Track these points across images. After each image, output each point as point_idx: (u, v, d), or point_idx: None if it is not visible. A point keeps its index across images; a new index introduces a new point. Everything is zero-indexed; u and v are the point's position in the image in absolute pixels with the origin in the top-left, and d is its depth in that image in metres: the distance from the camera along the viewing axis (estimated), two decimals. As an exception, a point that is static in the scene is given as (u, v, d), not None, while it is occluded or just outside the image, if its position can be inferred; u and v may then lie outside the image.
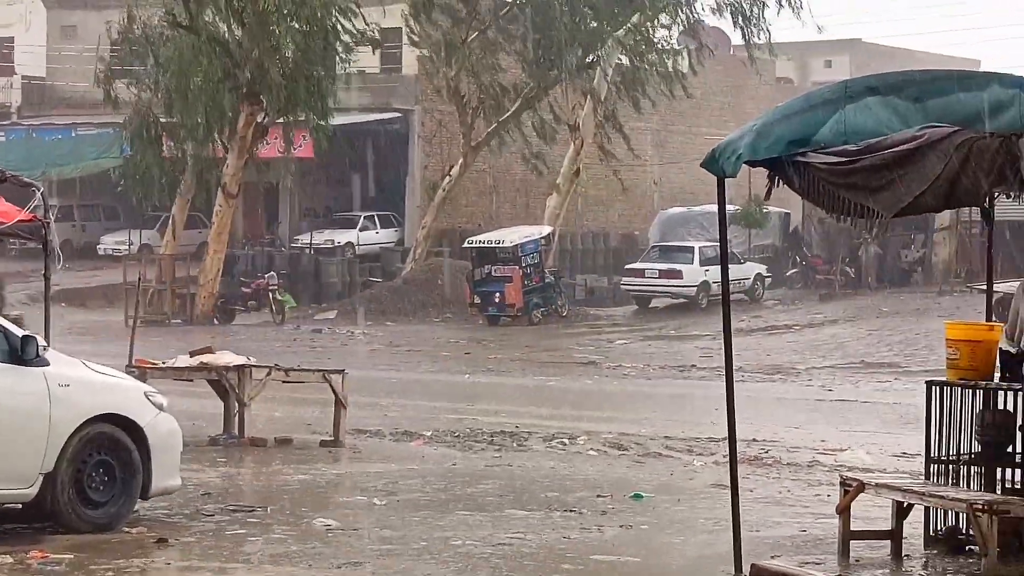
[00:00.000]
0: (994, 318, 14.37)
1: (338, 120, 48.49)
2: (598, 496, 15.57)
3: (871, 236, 47.06)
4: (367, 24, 46.93)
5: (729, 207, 11.31)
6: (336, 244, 55.43)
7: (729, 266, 12.37)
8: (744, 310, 45.56)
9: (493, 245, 46.70)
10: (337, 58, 46.45)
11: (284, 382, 20.13)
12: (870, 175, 10.95)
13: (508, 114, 50.25)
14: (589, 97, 49.54)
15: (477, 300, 46.18)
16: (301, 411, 22.14)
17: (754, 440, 20.11)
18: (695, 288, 48.12)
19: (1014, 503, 11.55)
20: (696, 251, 48.71)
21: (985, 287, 14.52)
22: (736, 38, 53.01)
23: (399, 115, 56.42)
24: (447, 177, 51.48)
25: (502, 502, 15.05)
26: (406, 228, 56.51)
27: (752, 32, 49.65)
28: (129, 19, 49.16)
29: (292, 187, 56.45)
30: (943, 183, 10.77)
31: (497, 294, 45.65)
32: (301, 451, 18.80)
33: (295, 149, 49.60)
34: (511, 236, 47.25)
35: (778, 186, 11.69)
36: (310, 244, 55.16)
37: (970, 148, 10.54)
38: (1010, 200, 12.76)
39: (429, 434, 20.54)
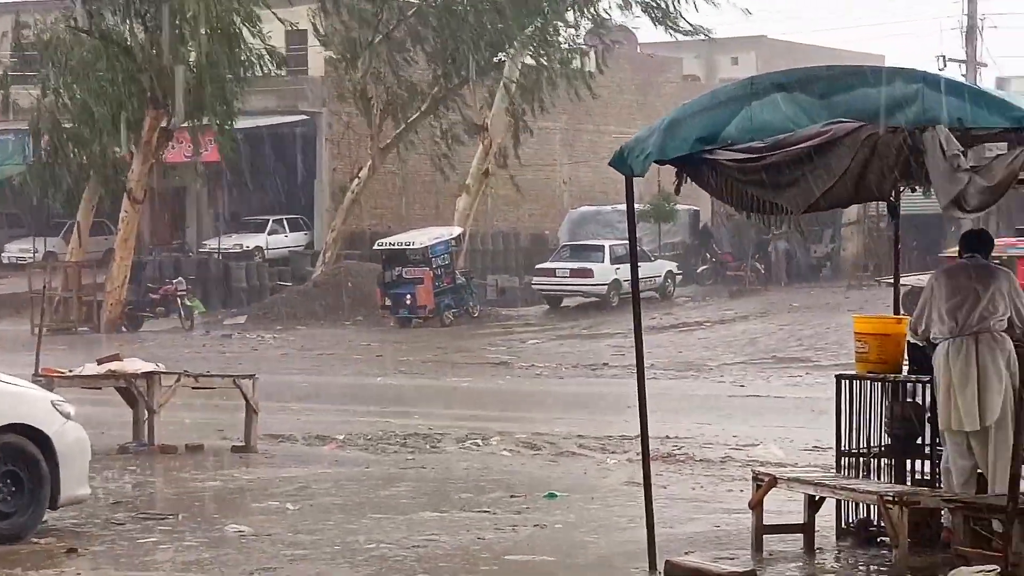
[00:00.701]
0: (902, 311, 14.48)
1: (244, 123, 48.24)
2: (512, 496, 15.55)
3: (782, 232, 47.43)
4: (269, 37, 46.77)
5: (638, 205, 11.35)
6: (245, 248, 55.13)
7: (640, 264, 12.41)
8: (655, 307, 45.71)
9: (403, 247, 46.60)
10: (241, 64, 46.28)
11: (194, 388, 19.99)
12: (778, 172, 10.99)
13: (416, 116, 50.17)
14: (497, 98, 49.54)
15: (388, 302, 46.05)
16: (212, 417, 21.97)
17: (667, 437, 20.17)
18: (606, 286, 48.23)
19: (924, 494, 11.64)
20: (606, 249, 48.81)
21: (893, 281, 14.63)
22: (643, 35, 53.17)
23: (306, 117, 56.19)
24: (356, 179, 51.32)
25: (416, 504, 15.00)
26: (315, 231, 56.30)
27: (666, 20, 49.56)
28: (18, 25, 48.67)
29: (199, 192, 56.09)
30: (850, 178, 10.82)
31: (408, 296, 45.54)
32: (212, 457, 18.66)
33: (202, 153, 49.29)
34: (421, 238, 47.16)
35: (687, 183, 11.72)
36: (219, 249, 54.82)
37: (875, 143, 10.60)
38: (915, 194, 12.89)
39: (341, 438, 20.44)
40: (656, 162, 11.56)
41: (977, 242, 12.18)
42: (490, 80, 49.79)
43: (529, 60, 49.44)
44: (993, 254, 12.50)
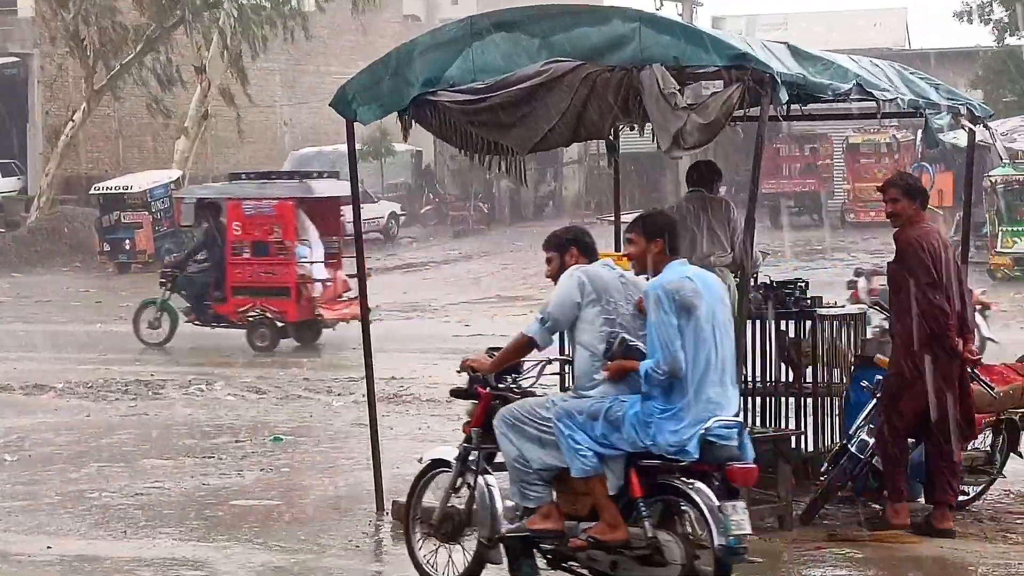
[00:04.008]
0: (623, 249, 14.67)
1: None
2: (237, 441, 15.43)
3: (509, 175, 47.82)
4: None
5: (357, 144, 11.29)
6: (-46, 194, 53.45)
7: (363, 205, 12.35)
8: (379, 248, 45.70)
9: (121, 191, 45.67)
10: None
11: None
12: (500, 112, 11.02)
13: (130, 57, 49.10)
14: (215, 39, 48.77)
15: (106, 248, 45.13)
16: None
17: (393, 378, 20.20)
18: (329, 228, 47.96)
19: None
20: (329, 191, 48.47)
21: (613, 219, 14.81)
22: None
23: (16, 59, 54.58)
24: (70, 123, 50.07)
25: (138, 452, 14.79)
26: (29, 176, 54.78)
27: None
28: None
29: (-94, 136, 54.16)
30: (570, 117, 10.90)
31: (127, 241, 44.69)
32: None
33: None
34: (139, 181, 46.26)
35: (411, 127, 11.69)
36: (-75, 194, 53.04)
37: (594, 82, 10.68)
38: (633, 132, 13.05)
39: (61, 386, 20.01)
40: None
41: (701, 175, 12.36)
42: (206, 20, 48.96)
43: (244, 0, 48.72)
44: None
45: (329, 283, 25.56)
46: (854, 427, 11.11)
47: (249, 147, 58.07)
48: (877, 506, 11.32)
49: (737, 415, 8.64)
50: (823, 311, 12.44)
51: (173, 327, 25.69)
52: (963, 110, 12.30)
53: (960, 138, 13.71)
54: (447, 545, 9.43)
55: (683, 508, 8.39)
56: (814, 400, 12.32)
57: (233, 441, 15.43)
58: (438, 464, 9.65)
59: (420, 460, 9.88)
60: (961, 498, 11.40)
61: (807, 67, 10.71)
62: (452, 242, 48.09)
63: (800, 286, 12.46)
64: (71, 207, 50.09)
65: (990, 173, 35.79)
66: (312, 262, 25.33)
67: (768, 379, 12.45)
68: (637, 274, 8.94)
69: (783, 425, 12.30)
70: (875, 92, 11.11)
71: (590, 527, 8.63)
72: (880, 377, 11.09)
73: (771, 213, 47.39)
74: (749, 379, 12.26)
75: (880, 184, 11.29)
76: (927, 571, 9.95)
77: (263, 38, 48.51)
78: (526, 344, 8.99)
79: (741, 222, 11.68)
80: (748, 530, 8.35)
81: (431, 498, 9.63)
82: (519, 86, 10.88)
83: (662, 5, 52.01)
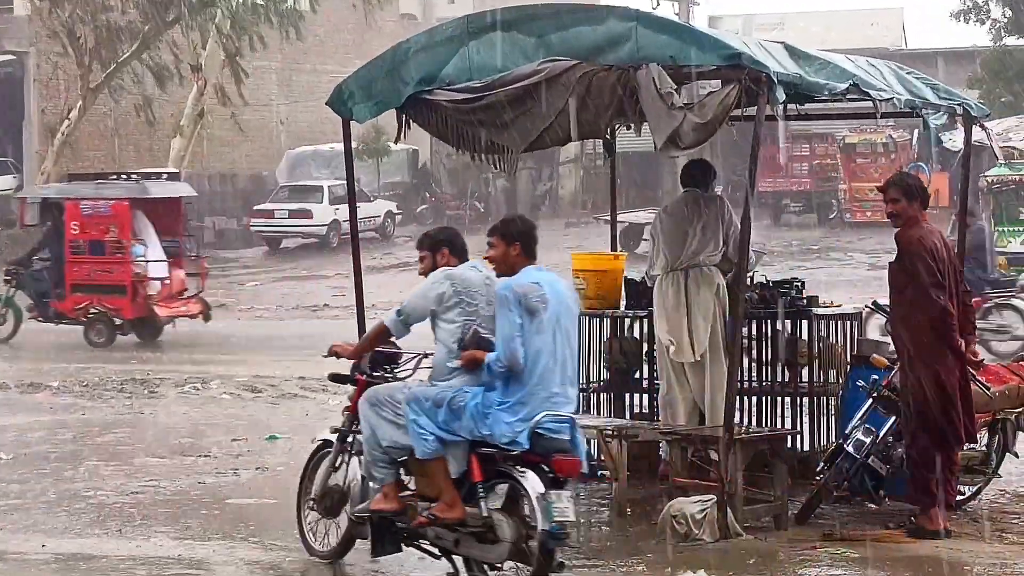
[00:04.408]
0: (619, 248, 14.70)
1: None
2: (233, 440, 15.41)
3: (505, 173, 47.86)
4: None
5: (353, 143, 11.32)
6: (-49, 192, 53.38)
7: (359, 204, 12.36)
8: (375, 248, 45.70)
9: (117, 189, 45.62)
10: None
11: None
12: (496, 111, 11.03)
13: (126, 56, 49.04)
14: (212, 37, 48.72)
15: (102, 246, 45.07)
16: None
17: (389, 377, 20.12)
18: (325, 227, 48.00)
19: (642, 428, 11.85)
20: (325, 190, 48.57)
21: (610, 218, 14.82)
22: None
23: (12, 57, 54.53)
24: (66, 121, 50.02)
25: (134, 451, 14.78)
26: (25, 174, 54.73)
27: None
28: None
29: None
30: (567, 117, 10.90)
31: (123, 239, 44.65)
32: (-80, 408, 18.09)
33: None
34: (135, 180, 46.21)
35: (409, 128, 11.69)
36: (-78, 192, 52.96)
37: (591, 81, 10.70)
38: (630, 131, 13.05)
39: (56, 385, 20.00)
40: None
41: (695, 174, 12.35)
42: (203, 19, 48.90)
43: (241, -1, 48.68)
44: None
45: (167, 281, 26.17)
46: (850, 427, 11.10)
47: (245, 146, 58.07)
48: (873, 506, 11.32)
49: (575, 412, 9.23)
50: (819, 311, 12.44)
51: (17, 323, 26.31)
52: (959, 110, 12.31)
53: (956, 139, 13.72)
54: (327, 519, 10.17)
55: (521, 494, 8.97)
56: (810, 400, 12.33)
57: (229, 440, 15.42)
58: (328, 444, 10.30)
59: (313, 440, 10.51)
60: (957, 498, 11.40)
61: (804, 67, 10.72)
62: (448, 241, 47.99)
63: (797, 286, 12.46)
64: (67, 205, 49.99)
65: (986, 173, 35.79)
66: (148, 261, 26.00)
67: (764, 379, 12.45)
68: (499, 275, 9.41)
69: (779, 425, 12.30)
70: (872, 92, 11.11)
71: (432, 506, 9.27)
72: (876, 377, 11.08)
73: (773, 212, 47.44)
74: (745, 379, 12.28)
75: (879, 184, 11.25)
76: (923, 571, 9.95)
77: (260, 37, 48.47)
78: (383, 332, 9.70)
79: (737, 220, 11.68)
80: (571, 517, 8.99)
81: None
82: (516, 85, 10.89)
83: (658, 4, 52.02)
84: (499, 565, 9.15)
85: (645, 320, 12.63)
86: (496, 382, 9.08)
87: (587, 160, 52.85)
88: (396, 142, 12.14)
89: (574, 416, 9.18)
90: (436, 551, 9.50)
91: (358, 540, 9.97)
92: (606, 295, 12.91)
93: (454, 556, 9.42)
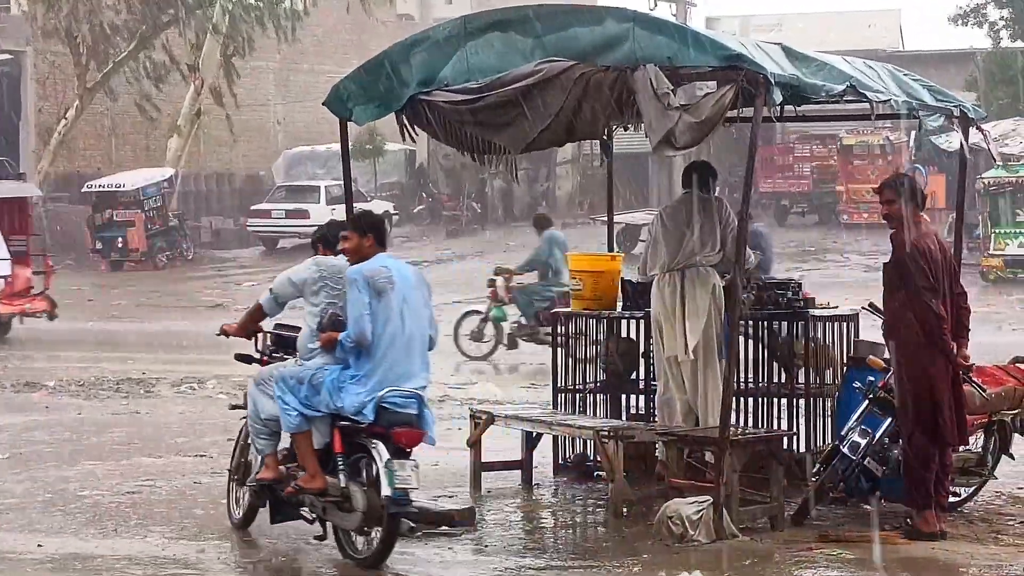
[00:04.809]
0: (616, 249, 14.69)
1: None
2: (229, 439, 15.34)
3: (503, 173, 47.87)
4: None
5: (350, 143, 11.37)
6: (-54, 191, 53.29)
7: (355, 204, 12.36)
8: (372, 248, 45.56)
9: (113, 189, 45.63)
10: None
11: None
12: (494, 112, 11.03)
13: (123, 55, 49.02)
14: (209, 37, 48.70)
15: (99, 246, 45.11)
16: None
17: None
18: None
19: (638, 429, 11.85)
20: (322, 190, 48.54)
21: (607, 219, 14.82)
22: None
23: (10, 56, 54.48)
24: (63, 120, 49.99)
25: (130, 450, 14.77)
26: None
27: None
28: None
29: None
30: (564, 117, 10.91)
31: (119, 239, 44.69)
32: (-84, 407, 18.08)
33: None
34: (132, 179, 46.22)
35: (411, 129, 11.68)
36: (-81, 192, 52.85)
37: (588, 82, 10.70)
38: (628, 132, 13.06)
39: (52, 384, 19.99)
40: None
41: (697, 175, 12.35)
42: (200, 19, 48.89)
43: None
44: None
45: (9, 280, 26.38)
46: (846, 428, 11.10)
47: (242, 146, 58.03)
48: (868, 507, 11.32)
49: (424, 388, 10.05)
50: (816, 312, 12.45)
51: None
52: (956, 112, 12.31)
53: (952, 141, 13.73)
54: (240, 489, 11.11)
55: (371, 463, 9.79)
56: (806, 401, 12.33)
57: (225, 439, 15.38)
58: None
59: (241, 417, 11.12)
60: (953, 499, 11.40)
61: (801, 68, 10.72)
62: (445, 241, 48.04)
63: (793, 287, 12.46)
64: (64, 205, 49.99)
65: (983, 175, 35.82)
66: None
67: (760, 380, 12.46)
68: (352, 264, 10.15)
69: (775, 426, 12.31)
70: (869, 93, 11.11)
71: (301, 477, 10.17)
72: (872, 378, 11.08)
73: (776, 213, 47.39)
74: (742, 380, 12.29)
75: (875, 185, 11.23)
76: (918, 572, 9.95)
77: (250, 39, 48.46)
78: (258, 310, 10.71)
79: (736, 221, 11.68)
80: (414, 484, 9.70)
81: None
82: (513, 86, 10.89)
83: (656, 5, 52.00)
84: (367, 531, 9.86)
85: (642, 321, 12.64)
86: (349, 358, 9.92)
87: (584, 161, 52.83)
88: (405, 140, 12.14)
89: (420, 391, 9.96)
90: (311, 517, 10.33)
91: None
92: (603, 296, 12.92)
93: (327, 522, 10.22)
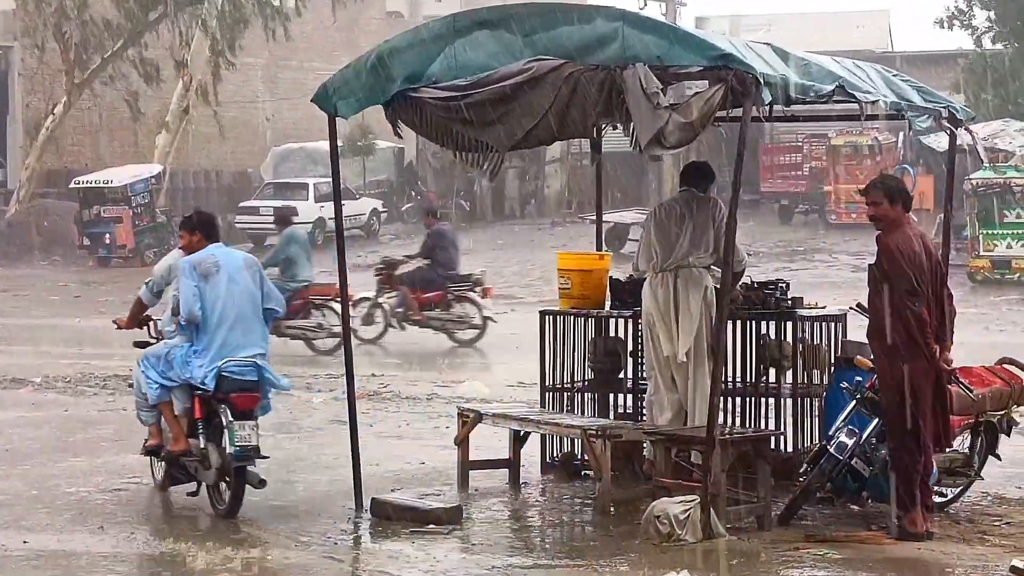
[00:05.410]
0: (605, 248, 14.69)
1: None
2: (216, 437, 15.34)
3: (488, 172, 47.91)
4: None
5: (340, 142, 11.31)
6: (-69, 187, 53.24)
7: (344, 202, 12.37)
8: (361, 245, 45.64)
9: (102, 185, 45.58)
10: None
11: None
12: (482, 110, 11.01)
13: (112, 51, 48.96)
14: (198, 34, 48.64)
15: (86, 242, 45.07)
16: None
17: (373, 375, 20.16)
18: (311, 225, 47.85)
19: (626, 428, 11.85)
20: (311, 188, 48.49)
21: (595, 217, 14.82)
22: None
23: (-2, 51, 54.42)
24: (51, 116, 49.91)
25: (117, 447, 14.73)
26: (8, 169, 54.61)
27: None
28: None
29: None
30: (553, 116, 10.89)
31: (107, 235, 44.64)
32: (-98, 403, 18.02)
33: None
34: (120, 175, 46.16)
35: (399, 126, 11.66)
36: (-94, 187, 52.80)
37: (577, 81, 10.68)
38: (617, 131, 13.04)
39: (39, 381, 19.95)
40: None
41: (693, 175, 12.34)
42: (188, 16, 48.85)
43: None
44: None
45: None
46: (833, 428, 11.10)
47: (231, 143, 57.98)
48: (856, 507, 11.32)
49: (261, 355, 11.45)
50: (804, 312, 12.45)
51: None
52: (945, 113, 12.31)
53: (941, 141, 13.73)
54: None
55: (223, 426, 11.26)
56: (794, 401, 12.33)
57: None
58: None
59: None
60: (939, 500, 11.41)
61: (790, 68, 10.71)
62: (433, 239, 47.90)
63: (781, 287, 12.46)
64: (51, 201, 49.93)
65: (971, 176, 35.86)
66: None
67: (748, 379, 12.46)
68: (187, 254, 11.75)
69: (763, 426, 12.31)
70: (857, 94, 11.11)
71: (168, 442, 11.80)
72: (859, 378, 11.08)
73: (780, 212, 47.32)
74: (729, 379, 12.28)
75: (863, 186, 11.21)
76: (905, 572, 9.95)
77: (241, 35, 48.42)
78: (138, 302, 12.19)
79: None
80: (254, 443, 11.18)
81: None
82: (502, 84, 10.86)
83: (645, 5, 52.02)
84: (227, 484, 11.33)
85: (630, 320, 12.63)
86: (190, 335, 11.50)
87: (573, 160, 52.83)
88: (396, 135, 12.11)
89: (255, 359, 11.37)
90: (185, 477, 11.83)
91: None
92: (591, 295, 12.92)
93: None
